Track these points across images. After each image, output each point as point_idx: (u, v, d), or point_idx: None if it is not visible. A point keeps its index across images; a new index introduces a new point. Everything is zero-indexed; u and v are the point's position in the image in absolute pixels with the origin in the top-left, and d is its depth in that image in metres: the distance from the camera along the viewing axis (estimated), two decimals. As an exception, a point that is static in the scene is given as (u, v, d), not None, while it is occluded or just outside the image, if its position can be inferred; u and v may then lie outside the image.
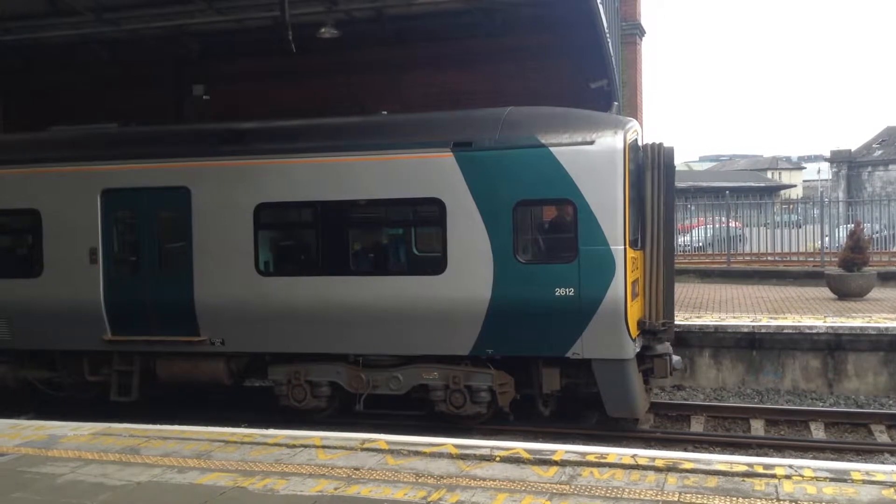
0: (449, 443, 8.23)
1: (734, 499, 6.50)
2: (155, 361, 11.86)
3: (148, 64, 18.42)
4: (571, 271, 10.07)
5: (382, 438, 8.47)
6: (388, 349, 10.98)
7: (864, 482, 6.79)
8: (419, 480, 7.12)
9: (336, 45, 16.09)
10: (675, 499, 6.53)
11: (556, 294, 10.07)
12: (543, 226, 10.81)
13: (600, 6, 14.10)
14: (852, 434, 11.32)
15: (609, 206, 9.99)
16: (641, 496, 6.61)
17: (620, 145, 10.05)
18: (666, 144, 10.63)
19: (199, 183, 11.38)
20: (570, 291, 10.05)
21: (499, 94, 15.20)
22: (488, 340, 10.43)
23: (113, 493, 7.07)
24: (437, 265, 10.62)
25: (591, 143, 10.09)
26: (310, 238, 11.44)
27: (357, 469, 7.48)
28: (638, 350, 10.48)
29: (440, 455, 7.82)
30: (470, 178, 10.37)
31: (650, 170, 10.47)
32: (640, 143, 10.79)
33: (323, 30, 15.42)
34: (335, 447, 8.21)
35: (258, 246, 11.23)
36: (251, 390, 13.63)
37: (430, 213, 10.86)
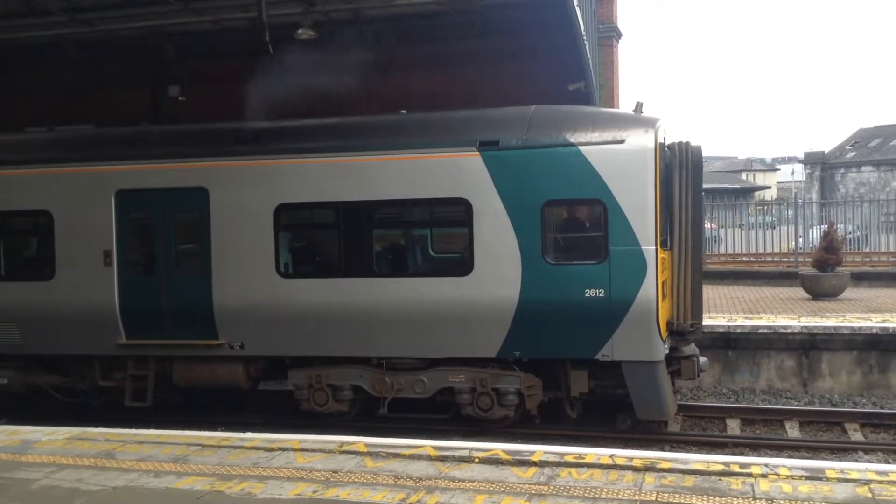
0: (427, 444, 8.23)
1: (711, 498, 6.56)
2: (171, 366, 11.58)
3: (123, 65, 18.24)
4: (601, 272, 9.93)
5: (361, 441, 8.45)
6: (413, 352, 10.78)
7: (839, 480, 6.88)
8: (398, 483, 7.12)
9: (314, 46, 16.03)
10: (653, 498, 6.57)
11: (586, 295, 9.93)
12: (572, 226, 10.64)
13: (577, 9, 14.18)
14: (827, 433, 11.45)
15: (640, 205, 9.86)
16: (619, 496, 6.65)
17: (651, 144, 9.92)
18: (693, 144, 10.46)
19: (218, 183, 11.15)
20: (600, 292, 9.91)
21: (477, 95, 15.20)
22: (516, 342, 10.26)
23: (89, 498, 7.00)
24: (463, 266, 10.50)
25: (622, 141, 9.94)
26: (332, 239, 11.23)
27: (335, 472, 7.46)
28: (666, 352, 10.35)
29: (419, 457, 7.82)
30: (497, 177, 10.22)
31: (678, 169, 10.30)
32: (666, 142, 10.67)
33: (300, 31, 15.36)
34: (313, 450, 8.17)
35: (279, 247, 11.00)
36: (267, 394, 13.45)
37: (455, 214, 10.70)
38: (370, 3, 15.25)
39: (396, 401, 11.04)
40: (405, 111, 11.95)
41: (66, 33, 16.32)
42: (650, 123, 10.18)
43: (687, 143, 10.44)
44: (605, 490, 6.79)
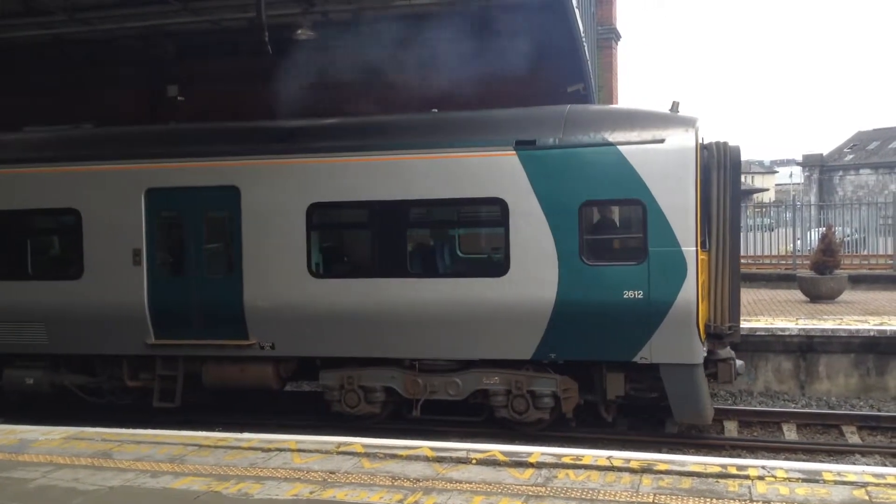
0: (425, 445, 8.22)
1: (708, 500, 6.55)
2: (200, 366, 11.48)
3: (122, 64, 18.23)
4: (640, 273, 9.81)
5: (358, 441, 8.45)
6: (446, 353, 10.68)
7: (836, 483, 6.88)
8: (395, 484, 7.11)
9: (314, 46, 16.03)
10: (650, 500, 6.57)
11: (624, 296, 9.80)
12: (611, 226, 10.55)
13: (577, 11, 14.19)
14: (824, 435, 11.46)
15: (681, 205, 9.74)
16: (616, 497, 6.64)
17: (692, 143, 9.81)
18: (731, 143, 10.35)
19: (250, 182, 11.02)
20: (639, 294, 9.78)
21: (476, 96, 15.21)
22: (552, 344, 10.16)
23: (85, 497, 6.98)
24: (498, 267, 10.40)
25: (662, 141, 9.83)
26: (365, 239, 11.16)
27: (332, 473, 7.45)
28: (704, 354, 10.24)
29: (416, 458, 7.82)
30: (534, 177, 10.12)
31: (716, 169, 10.16)
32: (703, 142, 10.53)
33: (299, 31, 15.36)
34: (310, 451, 8.16)
35: (311, 247, 10.88)
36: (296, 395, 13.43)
37: (491, 214, 10.61)
38: (369, 3, 15.25)
39: (426, 403, 10.94)
40: (436, 110, 11.83)
41: (65, 33, 16.31)
42: (690, 123, 10.06)
43: (725, 143, 10.30)
44: (603, 492, 6.79)
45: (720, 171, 10.18)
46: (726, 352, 10.75)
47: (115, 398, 12.22)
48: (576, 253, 10.01)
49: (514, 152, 10.21)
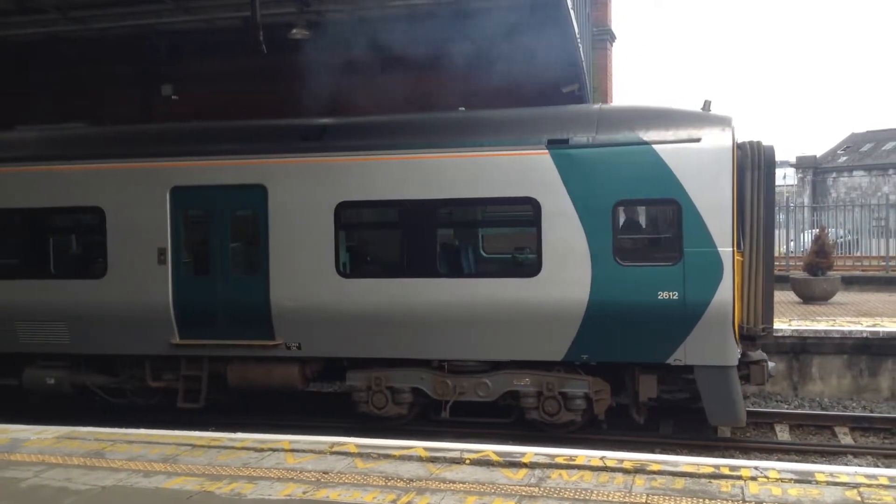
0: (419, 446, 8.22)
1: (701, 500, 6.57)
2: (225, 366, 11.35)
3: (116, 63, 18.19)
4: (675, 274, 9.73)
5: (352, 442, 8.44)
6: (476, 354, 10.59)
7: (828, 483, 6.90)
8: (388, 484, 7.10)
9: (309, 45, 16.01)
10: (643, 500, 6.58)
11: (659, 297, 9.72)
12: (645, 226, 10.50)
13: (571, 11, 14.20)
14: (816, 436, 11.49)
15: (717, 206, 9.66)
16: (610, 498, 6.65)
17: (729, 143, 9.75)
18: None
19: (277, 181, 10.89)
20: (674, 295, 9.69)
21: (472, 95, 15.22)
22: (584, 345, 10.07)
23: (77, 497, 6.96)
24: (530, 267, 10.33)
25: (698, 140, 9.76)
26: (394, 238, 11.07)
27: (326, 473, 7.44)
28: (738, 356, 10.15)
29: (410, 458, 7.81)
30: (567, 176, 10.02)
31: (749, 169, 10.06)
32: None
33: (294, 30, 15.35)
34: (304, 451, 8.15)
35: (339, 246, 10.78)
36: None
37: (523, 213, 10.49)
38: (365, 3, 15.25)
39: (447, 404, 10.83)
40: (464, 108, 11.71)
41: (59, 31, 16.27)
42: (726, 122, 9.98)
43: (759, 143, 10.22)
44: (596, 492, 6.79)
45: (754, 170, 10.08)
46: (758, 354, 10.64)
47: (137, 399, 12.06)
48: (609, 253, 9.92)
49: (547, 151, 10.11)
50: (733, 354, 9.88)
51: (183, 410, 11.62)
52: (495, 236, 11.61)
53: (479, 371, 10.72)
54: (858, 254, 24.50)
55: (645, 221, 10.54)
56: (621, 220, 10.16)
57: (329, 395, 13.61)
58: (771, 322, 10.44)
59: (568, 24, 14.20)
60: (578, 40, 15.23)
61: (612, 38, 26.54)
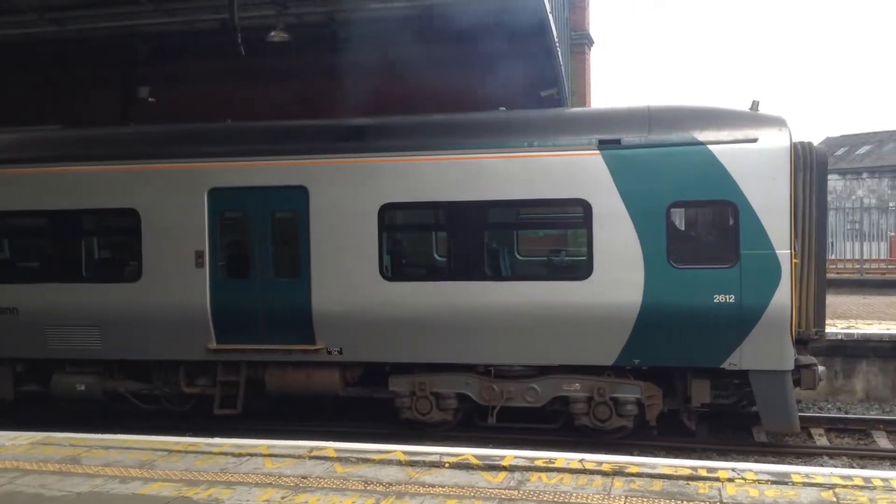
0: (398, 450, 8.21)
1: (679, 502, 6.61)
2: (263, 371, 11.10)
3: (95, 65, 18.05)
4: (732, 276, 9.53)
5: (331, 446, 8.41)
6: (524, 359, 10.36)
7: (805, 485, 6.97)
8: (368, 488, 7.09)
9: (288, 48, 15.98)
10: (622, 503, 6.61)
11: (715, 300, 9.52)
12: (700, 228, 10.30)
13: (550, 16, 14.28)
14: (793, 438, 11.57)
15: (775, 207, 9.48)
16: (588, 500, 6.68)
17: (786, 143, 9.59)
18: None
19: (319, 182, 10.62)
20: (731, 298, 9.49)
21: (451, 100, 15.26)
22: (636, 350, 9.86)
23: (53, 503, 6.89)
24: (581, 270, 10.15)
25: (755, 140, 9.58)
26: (439, 241, 10.85)
27: (305, 477, 7.41)
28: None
29: (389, 462, 7.80)
30: (619, 177, 9.82)
31: (802, 170, 9.89)
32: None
33: (273, 33, 15.32)
34: (282, 455, 8.12)
35: (382, 249, 10.51)
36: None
37: (573, 215, 10.35)
38: (343, 6, 15.25)
39: (487, 410, 10.64)
40: (504, 108, 11.52)
41: (36, 32, 16.12)
42: (782, 122, 9.82)
43: (810, 144, 10.13)
44: (575, 494, 6.82)
45: (807, 172, 9.95)
46: (808, 358, 10.44)
47: (171, 405, 11.75)
48: (663, 255, 9.74)
49: (598, 152, 9.93)
50: (790, 359, 9.71)
51: (154, 414, 11.40)
52: (545, 238, 11.38)
53: (525, 376, 10.52)
54: (833, 257, 24.79)
55: (701, 223, 10.34)
56: (676, 221, 10.01)
57: (367, 400, 13.17)
58: (823, 325, 10.28)
59: (547, 28, 14.28)
60: (557, 44, 15.31)
61: (591, 42, 26.70)
